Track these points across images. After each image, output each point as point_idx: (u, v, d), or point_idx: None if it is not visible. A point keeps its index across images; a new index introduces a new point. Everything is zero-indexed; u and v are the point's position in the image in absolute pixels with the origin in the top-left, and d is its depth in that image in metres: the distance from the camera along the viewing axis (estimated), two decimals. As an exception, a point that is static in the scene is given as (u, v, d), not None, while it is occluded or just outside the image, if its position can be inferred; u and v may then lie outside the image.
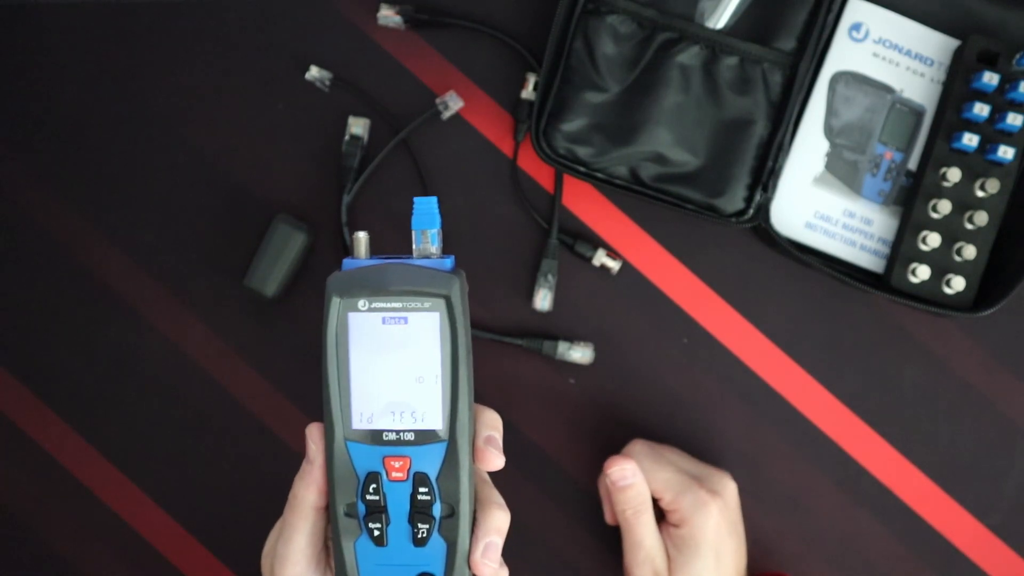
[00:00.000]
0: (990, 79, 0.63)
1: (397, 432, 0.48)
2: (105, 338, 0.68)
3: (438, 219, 0.48)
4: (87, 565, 0.68)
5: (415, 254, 0.48)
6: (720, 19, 0.65)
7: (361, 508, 0.48)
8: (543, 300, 0.67)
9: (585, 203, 0.68)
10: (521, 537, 0.68)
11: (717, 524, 0.62)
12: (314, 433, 0.49)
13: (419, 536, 0.48)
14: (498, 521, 0.49)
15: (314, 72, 0.67)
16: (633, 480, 0.62)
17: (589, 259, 0.67)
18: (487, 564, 0.48)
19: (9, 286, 0.68)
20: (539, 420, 0.68)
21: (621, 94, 0.65)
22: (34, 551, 0.68)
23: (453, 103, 0.67)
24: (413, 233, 0.48)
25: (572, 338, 0.68)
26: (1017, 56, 0.64)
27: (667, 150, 0.65)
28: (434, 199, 0.48)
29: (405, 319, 0.47)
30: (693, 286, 0.68)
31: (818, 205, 0.66)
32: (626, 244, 0.68)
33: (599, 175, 0.65)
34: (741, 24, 0.65)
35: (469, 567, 0.48)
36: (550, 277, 0.67)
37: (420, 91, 0.68)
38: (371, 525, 0.48)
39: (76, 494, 0.68)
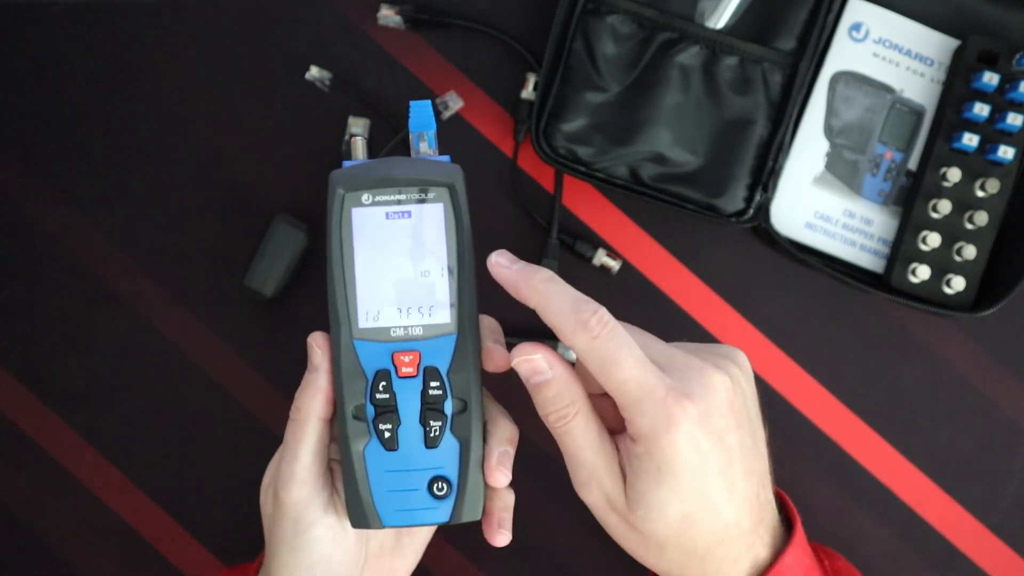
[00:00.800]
0: (990, 79, 0.63)
1: (405, 328, 0.47)
2: (105, 338, 0.68)
3: (434, 121, 0.48)
4: (87, 565, 0.68)
5: (412, 156, 0.48)
6: (720, 19, 0.65)
7: (370, 410, 0.47)
8: (543, 300, 0.67)
9: (585, 203, 0.68)
10: (521, 537, 0.68)
11: (692, 440, 0.44)
12: (318, 340, 0.48)
13: (431, 435, 0.47)
14: (509, 431, 0.48)
15: (314, 72, 0.67)
16: (551, 374, 0.46)
17: (589, 259, 0.67)
18: (503, 472, 0.47)
19: (9, 286, 0.68)
20: (539, 420, 0.68)
21: (621, 94, 0.65)
22: (33, 551, 0.68)
23: (453, 103, 0.67)
24: (410, 136, 0.48)
25: (572, 338, 0.68)
26: (1017, 56, 0.64)
27: (667, 150, 0.65)
28: (428, 102, 0.48)
29: (408, 213, 0.47)
30: (693, 286, 0.68)
31: (818, 205, 0.66)
32: (626, 244, 0.68)
33: (599, 175, 0.65)
34: (741, 24, 0.65)
35: (483, 474, 0.47)
36: (550, 277, 0.67)
37: (420, 91, 0.68)
38: (381, 427, 0.47)
39: (76, 494, 0.68)
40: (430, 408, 0.47)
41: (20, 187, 0.68)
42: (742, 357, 0.49)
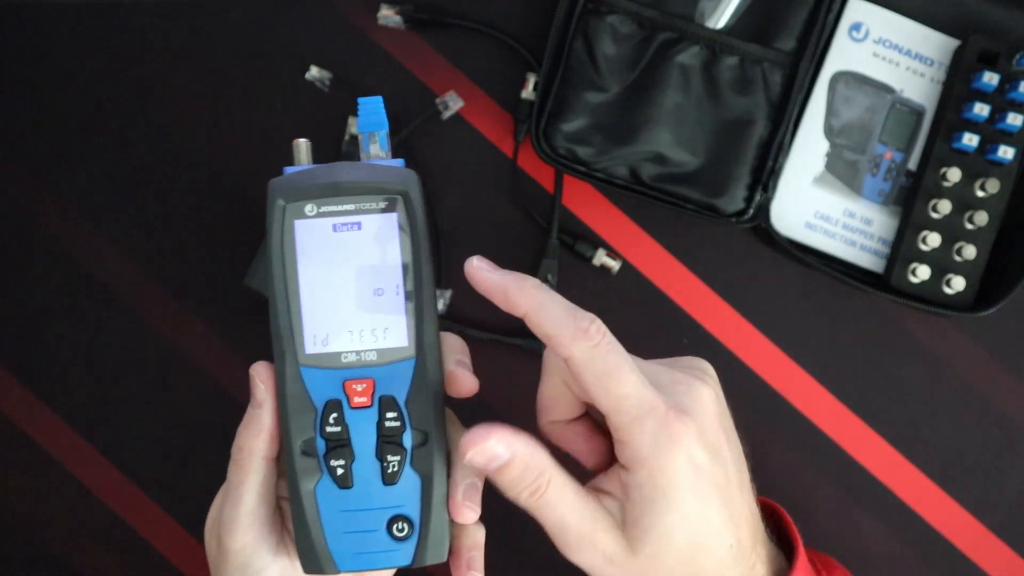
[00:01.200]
0: (990, 79, 0.63)
1: (357, 353, 0.42)
2: (105, 338, 0.68)
3: (386, 120, 0.44)
4: (86, 566, 0.68)
5: (363, 159, 0.44)
6: (720, 19, 0.65)
7: (320, 444, 0.42)
8: (543, 300, 0.67)
9: (585, 203, 0.68)
10: (521, 538, 0.68)
11: (691, 459, 0.41)
12: (260, 372, 0.43)
13: (389, 471, 0.42)
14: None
15: (314, 72, 0.67)
16: (508, 455, 0.41)
17: (589, 259, 0.67)
18: (469, 507, 0.43)
19: (9, 286, 0.68)
20: (525, 418, 0.68)
21: (621, 94, 0.65)
22: (33, 551, 0.68)
23: (453, 103, 0.67)
24: (360, 137, 0.44)
25: (572, 338, 0.68)
26: (1017, 56, 0.64)
27: (667, 150, 0.65)
28: (379, 98, 0.44)
29: (358, 224, 0.42)
30: (693, 286, 0.68)
31: (818, 205, 0.66)
32: (626, 244, 0.68)
33: (599, 175, 0.65)
34: (741, 24, 0.65)
35: (448, 511, 0.43)
36: (550, 277, 0.67)
37: (420, 91, 0.68)
38: (333, 463, 0.42)
39: (76, 494, 0.68)
40: (387, 441, 0.42)
41: (20, 187, 0.68)
42: (711, 368, 0.47)
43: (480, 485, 0.43)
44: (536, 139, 0.65)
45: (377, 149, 0.44)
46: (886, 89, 0.66)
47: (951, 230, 0.65)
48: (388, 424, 0.42)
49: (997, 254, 0.65)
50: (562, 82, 0.65)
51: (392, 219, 0.42)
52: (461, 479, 0.43)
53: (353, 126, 0.66)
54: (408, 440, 0.43)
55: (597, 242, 0.68)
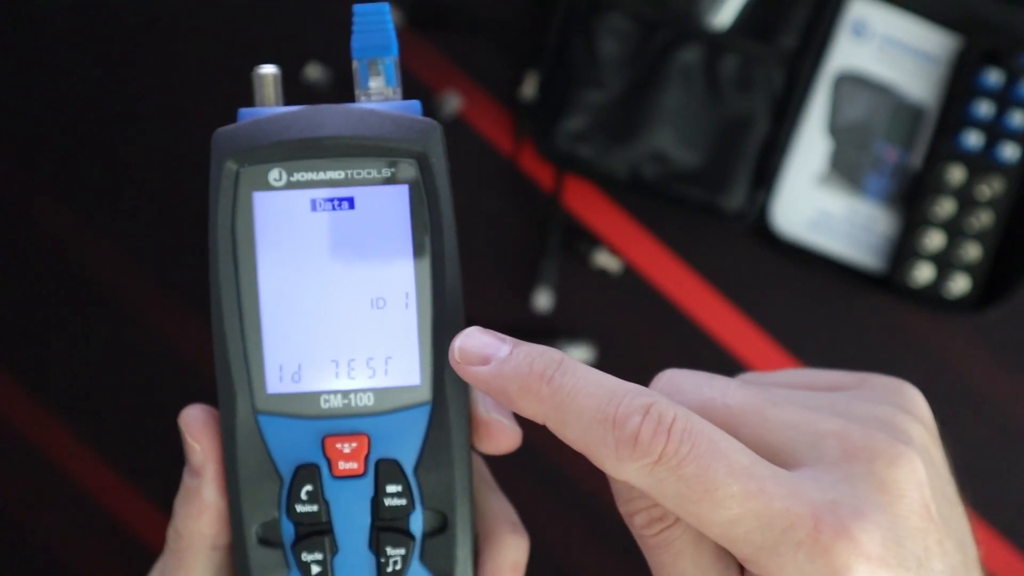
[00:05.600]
0: (995, 77, 0.63)
1: (345, 394, 0.30)
2: (104, 338, 0.68)
3: (394, 39, 0.30)
4: (85, 569, 0.68)
5: (359, 100, 0.31)
6: (722, 16, 0.65)
7: (288, 529, 0.30)
8: (543, 301, 0.67)
9: (585, 203, 0.68)
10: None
11: None
12: (195, 425, 0.30)
13: (389, 569, 0.30)
14: (513, 552, 0.31)
15: (312, 72, 0.67)
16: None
17: (589, 260, 0.67)
18: None
19: (7, 286, 0.68)
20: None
21: (622, 92, 0.65)
22: (31, 555, 0.68)
23: (453, 103, 0.67)
24: (355, 66, 0.31)
25: (572, 339, 0.68)
26: (1023, 54, 0.63)
27: (668, 148, 0.64)
28: (385, 5, 0.30)
29: (351, 200, 0.29)
30: (695, 286, 0.68)
31: (820, 204, 0.66)
32: (627, 244, 0.68)
33: (600, 174, 0.65)
34: (743, 22, 0.65)
35: None
36: (550, 277, 0.67)
37: (420, 91, 0.68)
38: (306, 557, 0.30)
39: (74, 497, 0.68)
40: (387, 527, 0.30)
41: (18, 186, 0.68)
42: (918, 400, 0.29)
43: None
44: (536, 138, 0.65)
45: (380, 85, 0.30)
46: (889, 87, 0.66)
47: (955, 230, 0.64)
48: (388, 502, 0.30)
49: (1002, 254, 0.65)
50: (562, 80, 0.65)
51: (401, 194, 0.30)
52: None
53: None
54: (418, 525, 0.30)
55: (598, 242, 0.68)
